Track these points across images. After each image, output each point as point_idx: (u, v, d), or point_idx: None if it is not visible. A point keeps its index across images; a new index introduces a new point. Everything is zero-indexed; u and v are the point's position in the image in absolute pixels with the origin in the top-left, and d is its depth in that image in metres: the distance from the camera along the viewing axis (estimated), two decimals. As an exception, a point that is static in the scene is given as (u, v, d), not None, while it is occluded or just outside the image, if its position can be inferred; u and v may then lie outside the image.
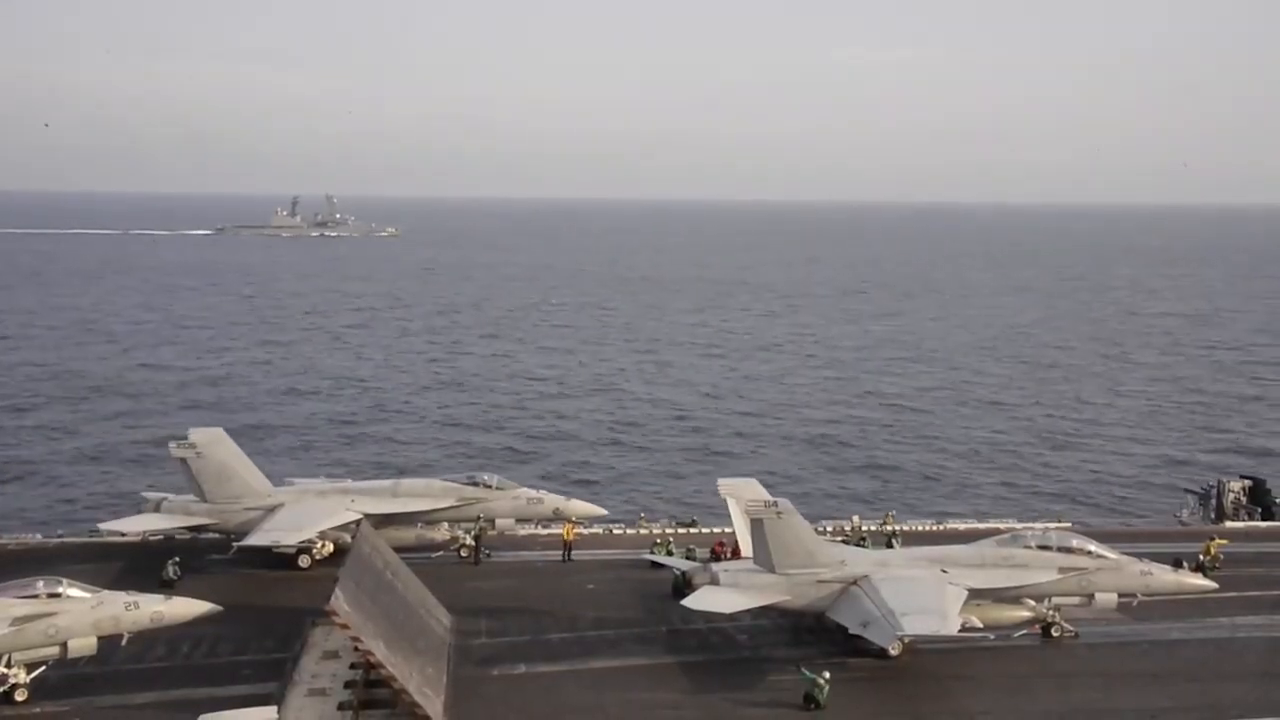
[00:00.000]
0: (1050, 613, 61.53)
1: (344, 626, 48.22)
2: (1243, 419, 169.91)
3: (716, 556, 71.51)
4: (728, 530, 76.97)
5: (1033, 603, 61.26)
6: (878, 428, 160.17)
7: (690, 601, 58.91)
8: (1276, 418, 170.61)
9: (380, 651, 48.14)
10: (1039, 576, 60.72)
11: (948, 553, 62.85)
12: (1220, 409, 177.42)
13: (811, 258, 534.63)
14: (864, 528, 79.98)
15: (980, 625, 58.09)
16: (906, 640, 56.28)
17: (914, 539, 77.34)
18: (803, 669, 53.06)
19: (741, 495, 65.50)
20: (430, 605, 60.24)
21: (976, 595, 59.02)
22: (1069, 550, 61.55)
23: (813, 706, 51.75)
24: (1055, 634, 61.59)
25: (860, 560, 61.47)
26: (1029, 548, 61.74)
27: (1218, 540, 76.15)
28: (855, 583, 59.25)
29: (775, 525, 59.67)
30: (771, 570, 59.85)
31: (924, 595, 57.21)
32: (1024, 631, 61.08)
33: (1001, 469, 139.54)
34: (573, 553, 74.36)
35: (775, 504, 60.28)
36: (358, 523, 67.97)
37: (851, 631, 57.70)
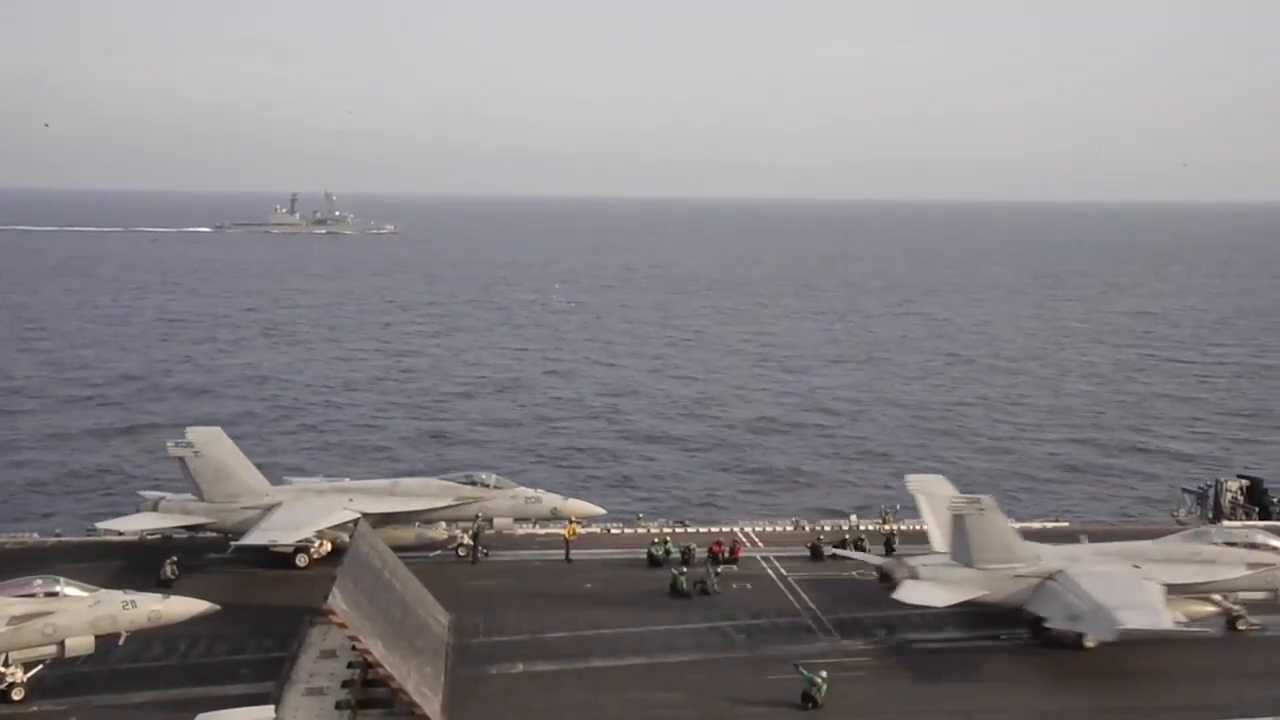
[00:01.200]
0: (1236, 606, 62.29)
1: (342, 626, 48.18)
2: (1240, 418, 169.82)
3: (714, 556, 71.65)
4: (725, 529, 77.09)
5: (1218, 597, 62.13)
6: (904, 426, 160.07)
7: (900, 594, 60.11)
8: (1275, 417, 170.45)
9: (378, 650, 48.10)
10: (1228, 572, 61.78)
11: (1135, 549, 64.02)
12: (1215, 408, 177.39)
13: (788, 255, 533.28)
14: (862, 527, 79.58)
15: (1186, 621, 59.10)
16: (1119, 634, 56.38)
17: (912, 539, 77.27)
18: (800, 668, 53.12)
19: (933, 492, 67.62)
20: (428, 604, 60.22)
21: (1169, 591, 59.97)
22: (1255, 546, 62.67)
23: (810, 705, 51.81)
24: (1241, 628, 62.31)
25: (1054, 556, 62.81)
26: (1215, 544, 62.81)
27: None
28: (1051, 577, 60.43)
29: (977, 521, 60.84)
30: (970, 565, 60.93)
31: (1130, 591, 58.55)
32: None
33: (992, 468, 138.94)
34: (571, 552, 74.00)
35: (978, 500, 61.74)
36: (355, 522, 68.05)
37: (1054, 625, 58.82)
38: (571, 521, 74.29)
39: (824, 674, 52.41)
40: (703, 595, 66.68)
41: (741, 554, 73.36)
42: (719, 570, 68.91)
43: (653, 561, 72.23)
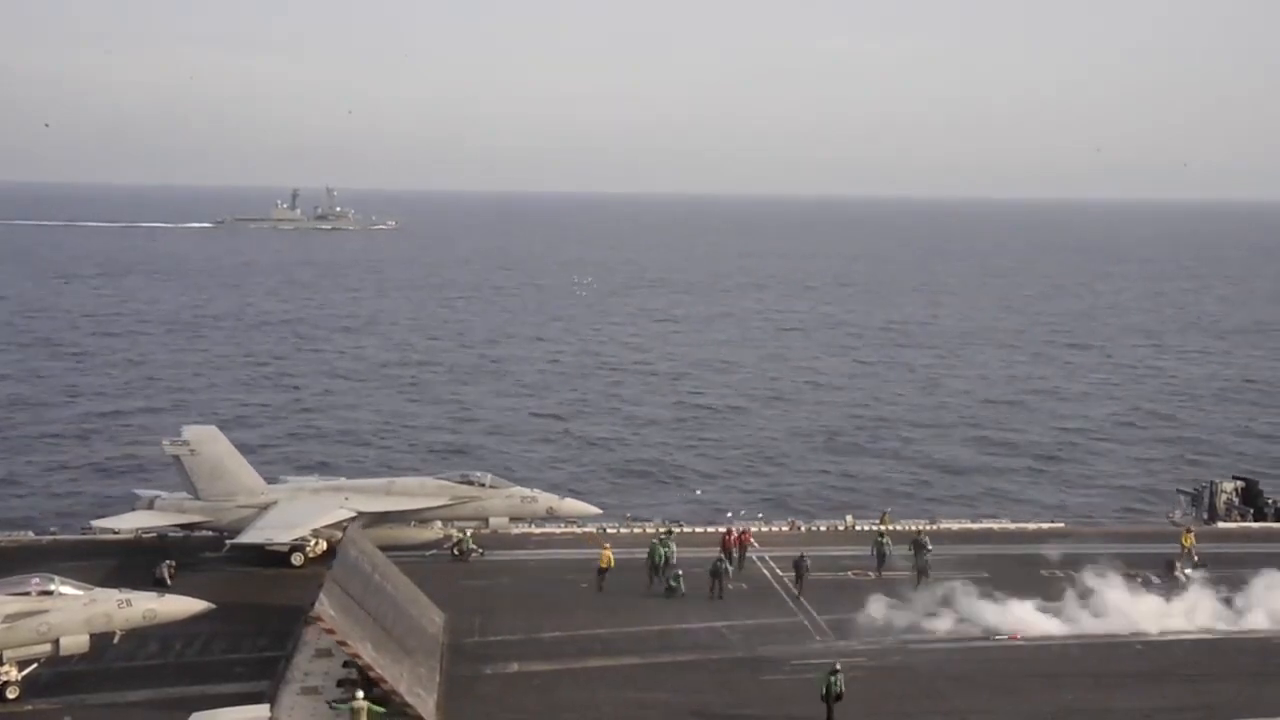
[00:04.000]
0: None
1: (330, 631, 48.32)
2: (1240, 418, 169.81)
3: (726, 550, 71.32)
4: (722, 529, 76.93)
5: None
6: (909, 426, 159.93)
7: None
8: (1274, 418, 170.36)
9: (368, 654, 48.18)
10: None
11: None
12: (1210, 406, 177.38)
13: (747, 252, 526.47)
14: (886, 528, 77.93)
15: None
16: None
17: (903, 539, 77.05)
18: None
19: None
20: (422, 604, 60.24)
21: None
22: None
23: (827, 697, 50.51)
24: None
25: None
26: None
27: (1189, 537, 74.35)
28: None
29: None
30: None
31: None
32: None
33: (986, 467, 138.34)
34: (594, 570, 69.42)
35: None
36: (352, 520, 68.15)
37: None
38: (606, 547, 70.53)
39: (838, 665, 51.73)
40: (719, 600, 66.08)
41: (750, 539, 73.49)
42: (729, 568, 68.51)
43: (650, 561, 71.97)
